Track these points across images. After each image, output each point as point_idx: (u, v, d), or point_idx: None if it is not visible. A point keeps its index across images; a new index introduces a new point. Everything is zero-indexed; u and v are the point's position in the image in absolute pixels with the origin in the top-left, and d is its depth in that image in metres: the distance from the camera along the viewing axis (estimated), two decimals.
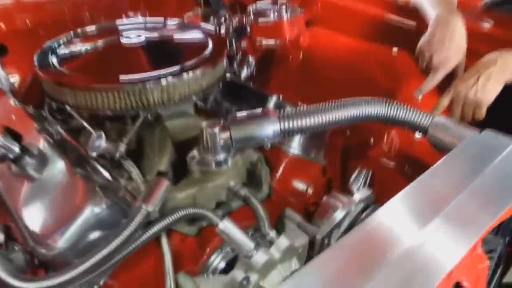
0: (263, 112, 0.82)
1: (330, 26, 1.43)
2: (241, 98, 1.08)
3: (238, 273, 0.80)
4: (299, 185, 1.00)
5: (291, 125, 0.80)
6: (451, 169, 0.75)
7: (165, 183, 0.77)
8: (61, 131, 0.93)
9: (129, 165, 0.84)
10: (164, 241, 0.79)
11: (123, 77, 0.86)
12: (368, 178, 1.02)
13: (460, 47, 1.12)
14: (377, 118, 0.87)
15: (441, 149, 0.87)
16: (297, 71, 1.39)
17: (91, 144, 0.83)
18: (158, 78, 0.86)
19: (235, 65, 1.18)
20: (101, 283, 0.85)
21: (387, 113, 0.87)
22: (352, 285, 0.54)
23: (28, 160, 0.86)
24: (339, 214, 0.96)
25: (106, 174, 0.84)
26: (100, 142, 0.83)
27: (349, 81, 1.30)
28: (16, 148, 0.86)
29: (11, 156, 0.86)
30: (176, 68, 0.90)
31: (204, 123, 0.82)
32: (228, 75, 1.11)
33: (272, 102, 1.00)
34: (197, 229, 0.85)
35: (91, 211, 0.78)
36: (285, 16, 1.35)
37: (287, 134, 0.81)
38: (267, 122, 0.80)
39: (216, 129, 0.81)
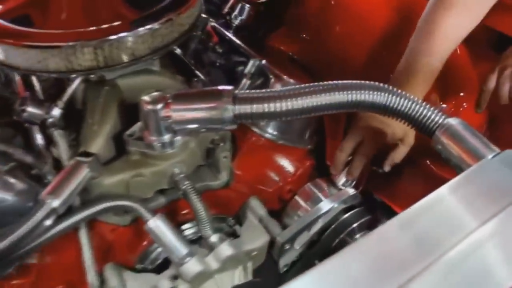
0: (215, 91, 0.64)
1: None
2: (219, 55, 0.90)
3: (163, 284, 0.68)
4: (271, 172, 0.84)
5: (248, 110, 0.62)
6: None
7: (83, 171, 0.64)
8: None
9: (58, 137, 0.71)
10: (83, 234, 0.68)
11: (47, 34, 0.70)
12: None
13: None
14: (371, 107, 0.67)
15: (446, 161, 0.67)
16: (314, 22, 1.15)
17: (15, 108, 0.70)
18: (91, 37, 0.69)
19: (225, 8, 0.97)
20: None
21: (384, 103, 0.67)
22: None
23: None
24: (309, 215, 0.81)
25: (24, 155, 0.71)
26: (24, 106, 0.70)
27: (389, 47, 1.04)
28: None
29: None
30: (117, 23, 0.72)
31: (143, 98, 0.66)
32: (211, 22, 0.92)
33: (251, 67, 0.82)
34: (131, 219, 0.73)
35: None
36: None
37: (243, 121, 0.64)
38: (218, 105, 0.63)
39: (158, 106, 0.65)
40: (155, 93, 0.67)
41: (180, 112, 0.64)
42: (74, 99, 0.79)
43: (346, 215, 0.82)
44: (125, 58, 0.71)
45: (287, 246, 0.77)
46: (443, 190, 0.55)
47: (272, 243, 0.78)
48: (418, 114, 0.66)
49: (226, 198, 0.81)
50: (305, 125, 0.85)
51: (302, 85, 0.65)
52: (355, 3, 1.10)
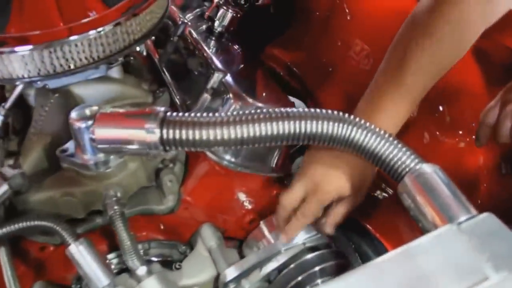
0: (144, 112, 0.58)
1: None
2: (185, 64, 0.83)
3: None
4: (229, 200, 0.76)
5: (177, 136, 0.55)
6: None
7: (2, 187, 0.60)
8: None
9: None
10: (2, 252, 0.64)
11: None
12: None
13: None
14: (330, 141, 0.58)
15: (408, 212, 0.56)
16: (318, 29, 1.05)
17: None
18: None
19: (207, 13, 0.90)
20: None
21: (346, 136, 0.57)
22: None
23: None
24: (266, 250, 0.73)
25: None
26: None
27: None
28: None
29: None
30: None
31: (71, 113, 0.61)
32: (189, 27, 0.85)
33: (213, 82, 0.74)
34: (61, 239, 0.68)
35: None
36: None
37: (172, 147, 0.57)
38: (143, 126, 0.56)
39: (85, 124, 0.60)
40: (86, 109, 0.62)
41: (103, 131, 0.58)
42: (27, 105, 0.76)
43: (309, 255, 0.73)
44: (66, 65, 0.66)
45: (231, 286, 0.70)
46: (391, 255, 0.46)
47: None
48: (387, 153, 0.56)
49: (174, 224, 0.75)
50: (270, 151, 0.76)
51: (246, 112, 0.57)
52: (364, 9, 1.00)
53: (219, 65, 0.76)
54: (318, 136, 0.57)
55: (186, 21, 0.87)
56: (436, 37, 0.64)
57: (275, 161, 0.78)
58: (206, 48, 0.80)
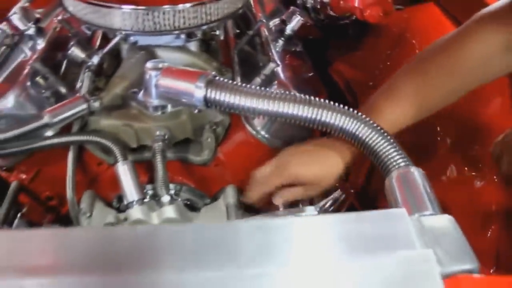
0: (198, 72, 0.73)
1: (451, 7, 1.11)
2: (252, 55, 0.97)
3: (110, 218, 0.79)
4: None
5: (217, 96, 0.70)
6: None
7: (78, 103, 0.78)
8: None
9: (85, 77, 0.86)
10: (70, 155, 0.82)
11: None
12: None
13: None
14: (335, 130, 0.69)
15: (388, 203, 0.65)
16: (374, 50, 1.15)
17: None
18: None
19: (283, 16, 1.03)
20: None
21: (350, 129, 0.68)
22: None
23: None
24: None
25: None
26: (72, 47, 0.87)
27: None
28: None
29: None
30: None
31: (147, 63, 0.78)
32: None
33: (267, 70, 0.87)
34: (114, 160, 0.84)
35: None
36: None
37: (213, 105, 0.71)
38: (194, 83, 0.71)
39: (154, 73, 0.76)
40: (159, 63, 0.78)
41: (165, 81, 0.74)
42: (120, 57, 0.95)
43: None
44: (153, 27, 0.83)
45: None
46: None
47: None
48: (383, 149, 0.66)
49: (205, 176, 0.89)
50: (302, 137, 0.88)
51: (277, 91, 0.70)
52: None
53: (275, 58, 0.90)
54: (329, 124, 0.68)
55: (263, 20, 1.02)
56: (455, 59, 0.73)
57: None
58: (271, 45, 0.94)
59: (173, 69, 0.75)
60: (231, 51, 1.03)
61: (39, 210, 0.90)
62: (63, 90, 0.87)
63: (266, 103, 0.69)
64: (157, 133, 0.81)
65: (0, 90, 0.85)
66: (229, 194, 0.87)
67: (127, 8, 0.80)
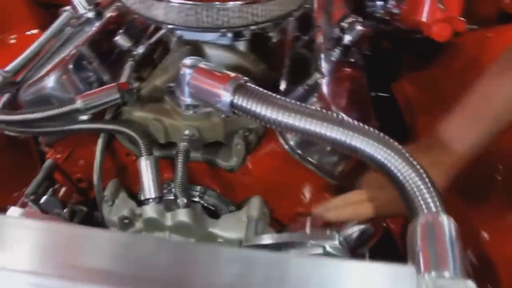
0: (229, 75, 0.69)
1: None
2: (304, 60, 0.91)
3: (125, 212, 0.78)
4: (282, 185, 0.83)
5: (244, 103, 0.65)
6: None
7: (111, 92, 0.77)
8: None
9: (127, 66, 0.86)
10: (99, 142, 0.82)
11: None
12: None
13: None
14: (363, 156, 0.62)
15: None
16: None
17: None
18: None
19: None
20: None
21: (383, 161, 0.61)
22: None
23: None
24: (289, 237, 0.79)
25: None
26: (118, 35, 0.88)
27: None
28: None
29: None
30: None
31: (185, 59, 0.75)
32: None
33: (310, 79, 0.82)
34: (139, 153, 0.83)
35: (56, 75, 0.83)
36: None
37: (239, 111, 0.67)
38: (222, 86, 0.67)
39: (188, 70, 0.74)
40: (196, 60, 0.75)
41: (197, 79, 0.71)
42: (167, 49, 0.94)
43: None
44: (197, 23, 0.80)
45: None
46: None
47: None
48: (412, 184, 0.58)
49: (232, 183, 0.85)
50: (335, 157, 0.81)
51: (308, 106, 0.64)
52: None
53: (322, 68, 0.83)
54: (358, 150, 0.61)
55: (321, 26, 0.96)
56: None
57: (338, 169, 0.82)
58: (323, 54, 0.87)
59: (206, 69, 0.72)
60: (285, 55, 0.98)
61: (70, 190, 0.92)
62: (105, 76, 0.88)
63: (292, 117, 0.63)
64: (186, 132, 0.79)
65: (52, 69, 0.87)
66: (254, 206, 0.83)
67: (170, 1, 0.78)
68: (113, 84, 0.79)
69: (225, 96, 0.66)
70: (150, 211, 0.74)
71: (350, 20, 0.94)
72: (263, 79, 0.92)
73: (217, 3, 0.77)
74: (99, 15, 0.98)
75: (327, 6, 1.06)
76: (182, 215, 0.74)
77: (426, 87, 1.08)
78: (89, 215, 0.92)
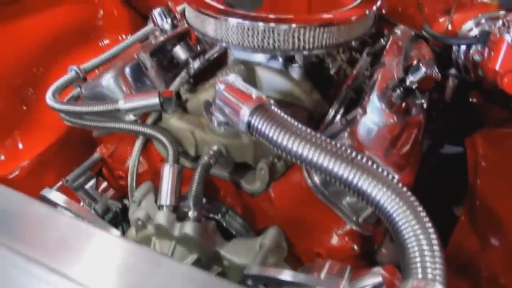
0: (250, 96, 0.67)
1: None
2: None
3: (141, 213, 0.79)
4: (303, 222, 0.78)
5: (260, 125, 0.63)
6: None
7: (152, 96, 0.80)
8: None
9: (179, 77, 0.89)
10: (137, 143, 0.85)
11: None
12: None
13: None
14: (369, 202, 0.57)
15: None
16: None
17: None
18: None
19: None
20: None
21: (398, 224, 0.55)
22: None
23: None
24: (296, 276, 0.74)
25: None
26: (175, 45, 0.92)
27: None
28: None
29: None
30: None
31: (222, 76, 0.76)
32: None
33: (351, 114, 0.77)
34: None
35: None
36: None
37: (255, 133, 0.65)
38: (244, 105, 0.66)
39: (221, 86, 0.74)
40: (233, 77, 0.75)
41: (225, 96, 0.71)
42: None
43: None
44: (248, 44, 0.80)
45: (249, 282, 0.73)
46: None
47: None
48: (417, 253, 0.52)
49: (252, 206, 0.83)
50: (361, 204, 0.74)
51: (328, 140, 0.60)
52: None
53: (367, 106, 0.78)
54: (365, 194, 0.56)
55: (383, 63, 0.90)
56: None
57: (363, 217, 0.75)
58: (375, 92, 0.82)
59: (235, 86, 0.71)
60: (343, 87, 0.94)
61: (110, 185, 0.97)
62: (159, 84, 0.92)
63: (302, 146, 0.60)
64: (214, 147, 0.79)
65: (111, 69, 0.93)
66: (269, 236, 0.79)
67: (217, 17, 0.79)
68: (156, 90, 0.82)
69: (244, 115, 0.65)
70: (161, 218, 0.75)
71: (416, 63, 0.87)
72: (315, 110, 0.90)
73: (261, 23, 0.76)
74: (174, 26, 1.04)
75: (408, 48, 1.00)
76: (188, 228, 0.74)
77: (500, 145, 0.95)
78: (123, 212, 0.96)
